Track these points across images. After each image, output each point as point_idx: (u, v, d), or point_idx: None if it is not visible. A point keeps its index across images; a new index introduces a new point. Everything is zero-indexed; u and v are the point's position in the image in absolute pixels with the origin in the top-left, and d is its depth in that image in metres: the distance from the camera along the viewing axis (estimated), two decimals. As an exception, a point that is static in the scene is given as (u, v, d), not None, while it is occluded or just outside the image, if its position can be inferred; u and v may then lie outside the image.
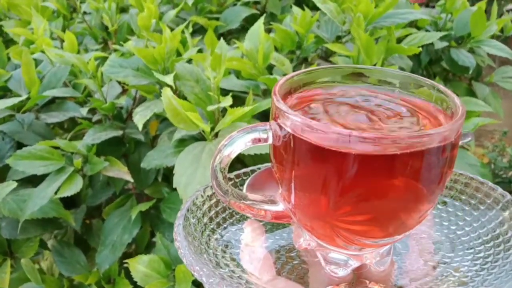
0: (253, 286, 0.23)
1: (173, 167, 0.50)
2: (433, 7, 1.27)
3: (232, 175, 0.30)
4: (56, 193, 0.54)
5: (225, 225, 0.28)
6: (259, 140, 0.22)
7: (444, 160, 0.20)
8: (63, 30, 0.89)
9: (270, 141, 0.22)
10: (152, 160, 0.57)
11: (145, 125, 0.74)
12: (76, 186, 0.54)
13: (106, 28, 0.91)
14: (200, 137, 0.55)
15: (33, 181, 0.64)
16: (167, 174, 0.70)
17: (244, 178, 0.30)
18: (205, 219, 0.27)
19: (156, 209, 0.68)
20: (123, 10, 1.01)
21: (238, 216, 0.29)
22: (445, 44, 1.01)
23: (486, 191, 0.28)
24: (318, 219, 0.22)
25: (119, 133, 0.63)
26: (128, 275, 0.65)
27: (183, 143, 0.55)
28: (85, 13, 0.99)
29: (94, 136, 0.59)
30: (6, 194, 0.57)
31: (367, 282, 0.25)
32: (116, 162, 0.59)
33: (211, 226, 0.27)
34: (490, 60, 1.18)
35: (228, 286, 0.21)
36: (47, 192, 0.54)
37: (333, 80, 0.25)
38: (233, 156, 0.22)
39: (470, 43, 1.04)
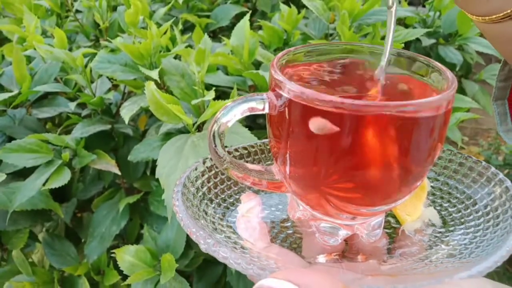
0: (247, 251, 0.24)
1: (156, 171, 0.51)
2: (424, 6, 1.29)
3: (231, 149, 0.30)
4: (44, 184, 0.55)
5: (222, 196, 0.28)
6: (256, 109, 0.23)
7: (432, 131, 0.21)
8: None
9: (267, 110, 0.23)
10: (139, 153, 0.59)
11: (135, 120, 0.76)
12: (64, 178, 0.56)
13: (98, 25, 0.92)
14: (185, 131, 0.57)
15: (23, 175, 0.65)
16: (155, 168, 0.72)
17: (243, 152, 0.30)
18: (204, 189, 0.28)
19: (144, 202, 0.69)
20: (114, 8, 1.02)
21: (235, 188, 0.29)
22: (432, 41, 1.02)
23: (479, 170, 0.28)
24: (311, 188, 0.23)
25: (107, 127, 0.64)
26: (117, 266, 0.66)
27: (169, 136, 0.57)
28: (77, 11, 1.00)
29: (82, 130, 0.61)
30: (-3, 187, 0.58)
31: (358, 252, 0.26)
32: (104, 155, 0.60)
33: (209, 196, 0.28)
34: (479, 58, 1.20)
35: (223, 247, 0.22)
36: (36, 184, 0.55)
37: (328, 55, 0.26)
38: (230, 124, 0.23)
39: (458, 40, 1.05)
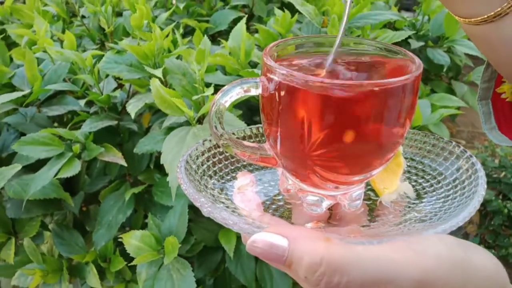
0: (244, 217, 0.27)
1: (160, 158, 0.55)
2: (414, 11, 1.35)
3: (229, 132, 0.33)
4: (56, 175, 0.60)
5: (220, 173, 0.32)
6: (250, 90, 0.26)
7: (400, 107, 0.24)
8: (63, 33, 0.95)
9: (260, 91, 0.26)
10: (143, 146, 0.63)
11: (139, 117, 0.81)
12: (74, 169, 0.60)
13: (103, 30, 0.97)
14: (187, 125, 0.62)
15: (35, 168, 0.70)
16: (159, 162, 0.76)
17: (239, 135, 0.34)
18: (204, 167, 0.31)
19: (148, 193, 0.74)
20: (119, 14, 1.08)
21: (232, 168, 0.33)
22: (421, 44, 1.08)
23: (450, 149, 0.32)
24: (298, 160, 0.26)
25: (114, 123, 0.69)
26: (123, 254, 0.71)
27: (171, 130, 0.62)
28: (83, 16, 1.05)
29: (91, 125, 0.65)
30: (11, 178, 0.63)
31: (341, 219, 0.29)
32: (111, 148, 0.65)
33: (209, 173, 0.31)
34: (468, 60, 1.25)
35: (223, 211, 0.25)
36: (48, 174, 0.60)
37: (315, 46, 0.30)
38: (227, 104, 0.26)
39: (445, 43, 1.11)
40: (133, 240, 0.60)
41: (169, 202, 0.67)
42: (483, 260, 0.22)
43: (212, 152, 0.32)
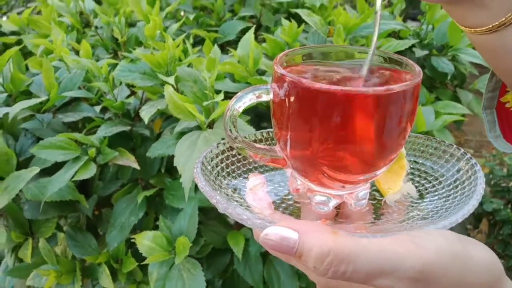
0: (256, 214, 0.29)
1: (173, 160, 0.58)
2: (419, 21, 1.37)
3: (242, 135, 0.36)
4: (73, 177, 0.62)
5: (233, 174, 0.34)
6: (261, 96, 0.28)
7: (402, 111, 0.26)
8: (77, 42, 0.99)
9: (271, 97, 0.27)
10: (156, 150, 0.66)
11: (151, 123, 0.83)
12: (90, 172, 0.63)
13: (116, 40, 1.01)
14: (197, 130, 0.64)
15: (51, 172, 0.72)
16: (170, 167, 0.79)
17: (251, 138, 0.36)
18: (218, 168, 0.33)
19: (160, 196, 0.76)
20: (131, 25, 1.12)
21: (244, 169, 0.35)
22: (425, 52, 1.10)
23: (451, 152, 0.34)
24: (307, 160, 0.28)
25: (127, 128, 0.72)
26: (134, 255, 0.73)
27: (183, 135, 0.64)
28: (96, 27, 1.10)
29: (106, 130, 0.68)
30: (29, 181, 0.66)
31: (347, 217, 0.31)
32: (125, 152, 0.67)
33: (222, 174, 0.33)
34: (473, 69, 1.26)
35: (238, 207, 0.27)
36: (65, 177, 0.63)
37: (321, 55, 0.32)
38: (241, 110, 0.28)
39: (450, 51, 1.12)
40: (145, 241, 0.62)
41: (180, 205, 0.69)
42: (481, 253, 0.24)
43: (226, 154, 0.34)
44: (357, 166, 0.28)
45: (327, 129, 0.26)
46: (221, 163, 0.34)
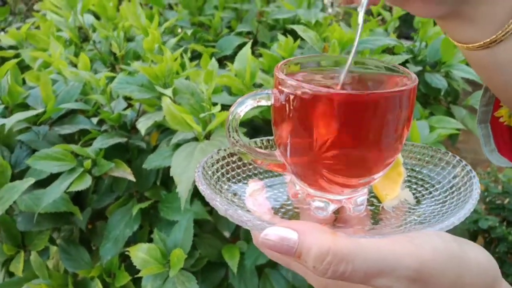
0: (256, 217, 0.29)
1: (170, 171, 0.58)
2: (413, 38, 1.40)
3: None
4: (68, 188, 0.62)
5: (233, 180, 0.34)
6: (262, 101, 0.28)
7: (399, 115, 0.27)
8: (75, 56, 1.00)
9: (272, 101, 0.28)
10: (152, 162, 0.66)
11: (147, 136, 0.83)
12: (85, 183, 0.63)
13: (114, 54, 1.02)
14: (193, 141, 0.64)
15: (46, 184, 0.72)
16: (165, 179, 0.79)
17: (252, 145, 0.36)
18: (218, 173, 0.33)
19: (154, 209, 0.76)
20: (129, 40, 1.13)
21: (244, 175, 0.35)
22: (419, 68, 1.12)
23: (447, 159, 0.34)
24: (307, 164, 0.28)
25: (123, 140, 0.72)
26: (127, 269, 0.72)
27: (179, 146, 0.64)
28: (94, 42, 1.11)
29: (102, 142, 0.68)
30: (23, 193, 0.65)
31: (346, 222, 0.31)
32: (121, 163, 0.67)
33: (223, 179, 0.33)
34: (466, 85, 1.29)
35: (239, 209, 0.28)
36: (60, 188, 0.62)
37: (319, 64, 0.33)
38: (242, 114, 0.28)
39: (443, 67, 1.15)
40: (139, 253, 0.61)
41: (175, 217, 0.69)
42: (477, 254, 0.24)
43: (226, 160, 0.35)
44: (356, 169, 0.29)
45: (327, 132, 0.27)
46: (222, 168, 0.34)
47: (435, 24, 1.20)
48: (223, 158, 0.35)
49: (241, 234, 0.76)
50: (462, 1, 0.30)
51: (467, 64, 1.21)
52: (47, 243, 0.71)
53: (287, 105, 0.28)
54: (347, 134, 0.27)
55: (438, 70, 1.17)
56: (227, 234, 0.74)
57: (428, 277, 0.22)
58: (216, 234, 0.74)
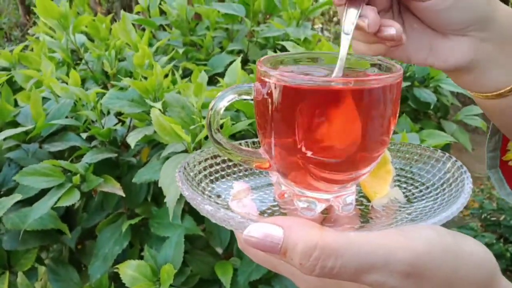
0: (240, 215, 0.27)
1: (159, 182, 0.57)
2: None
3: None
4: (55, 204, 0.61)
5: (217, 182, 0.33)
6: (243, 95, 0.28)
7: (385, 105, 0.26)
8: (67, 76, 1.01)
9: (254, 95, 0.27)
10: (142, 176, 0.65)
11: (138, 152, 0.83)
12: (73, 198, 0.62)
13: (106, 73, 1.02)
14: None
15: (34, 202, 0.70)
16: (156, 195, 0.78)
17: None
18: (201, 175, 0.32)
19: (145, 226, 0.74)
20: (120, 60, 1.14)
21: (229, 177, 0.34)
22: (407, 84, 1.13)
23: (436, 157, 0.34)
24: (292, 159, 0.28)
25: (113, 155, 0.71)
26: (117, 288, 0.70)
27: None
28: (86, 62, 1.12)
29: (92, 157, 0.67)
30: (10, 210, 0.64)
31: (335, 222, 0.30)
32: (110, 179, 0.66)
33: (206, 181, 0.32)
34: (455, 100, 1.31)
35: (222, 209, 0.26)
36: (48, 204, 0.61)
37: (302, 59, 0.33)
38: (223, 108, 0.27)
39: (431, 82, 1.16)
40: (129, 270, 0.60)
41: (166, 233, 0.67)
42: (473, 247, 0.23)
43: (209, 162, 0.34)
44: (342, 163, 0.28)
45: (311, 123, 0.26)
46: (204, 170, 0.33)
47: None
48: (206, 159, 0.34)
49: (234, 251, 0.75)
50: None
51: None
52: (34, 262, 0.69)
53: (269, 98, 0.27)
54: (333, 125, 0.26)
55: (426, 85, 1.19)
56: (219, 250, 0.72)
57: (422, 271, 0.21)
58: (209, 251, 0.72)
